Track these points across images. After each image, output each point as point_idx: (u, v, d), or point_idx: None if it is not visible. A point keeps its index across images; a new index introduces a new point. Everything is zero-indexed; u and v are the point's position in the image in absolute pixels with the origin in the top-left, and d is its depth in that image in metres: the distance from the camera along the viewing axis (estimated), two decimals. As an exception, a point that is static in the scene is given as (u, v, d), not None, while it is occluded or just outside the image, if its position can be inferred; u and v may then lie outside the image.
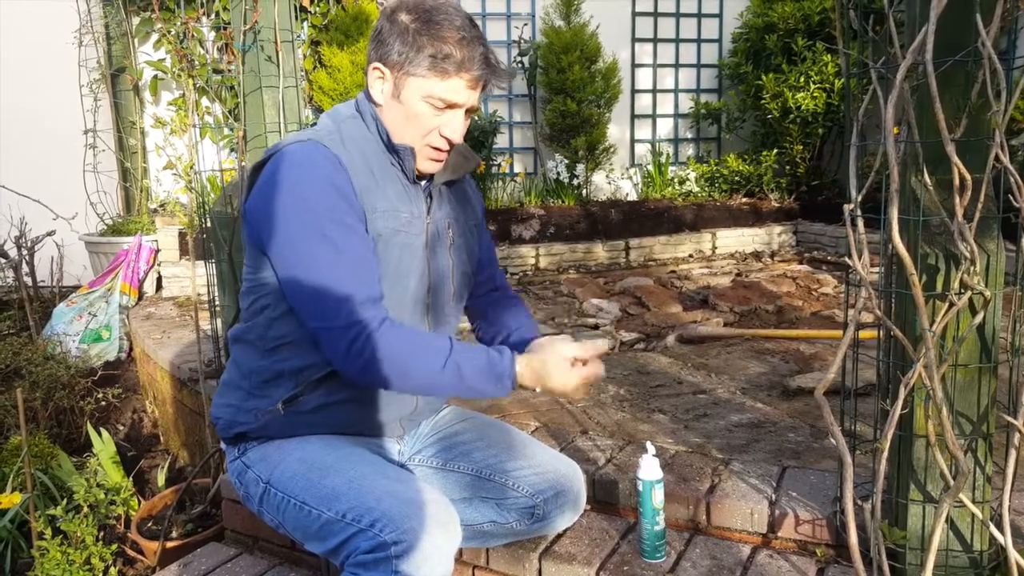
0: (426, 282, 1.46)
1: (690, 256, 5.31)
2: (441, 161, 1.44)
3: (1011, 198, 1.26)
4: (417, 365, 1.31)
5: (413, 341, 1.32)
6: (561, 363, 1.38)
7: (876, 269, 1.45)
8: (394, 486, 1.28)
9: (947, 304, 1.28)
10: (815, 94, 5.19)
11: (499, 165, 5.62)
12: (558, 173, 5.64)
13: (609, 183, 6.05)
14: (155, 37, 5.21)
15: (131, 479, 2.64)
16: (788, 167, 5.74)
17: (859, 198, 1.34)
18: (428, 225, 1.46)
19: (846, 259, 1.33)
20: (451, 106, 1.38)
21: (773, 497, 1.68)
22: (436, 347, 1.32)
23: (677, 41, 6.30)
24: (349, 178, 1.33)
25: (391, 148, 1.41)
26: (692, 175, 5.98)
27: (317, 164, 1.31)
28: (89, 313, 4.09)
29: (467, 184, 1.64)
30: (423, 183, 1.48)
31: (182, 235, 4.47)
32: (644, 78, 6.30)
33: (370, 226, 1.35)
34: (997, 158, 1.23)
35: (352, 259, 1.30)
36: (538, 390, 1.39)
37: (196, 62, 4.70)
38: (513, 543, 1.64)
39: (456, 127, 1.39)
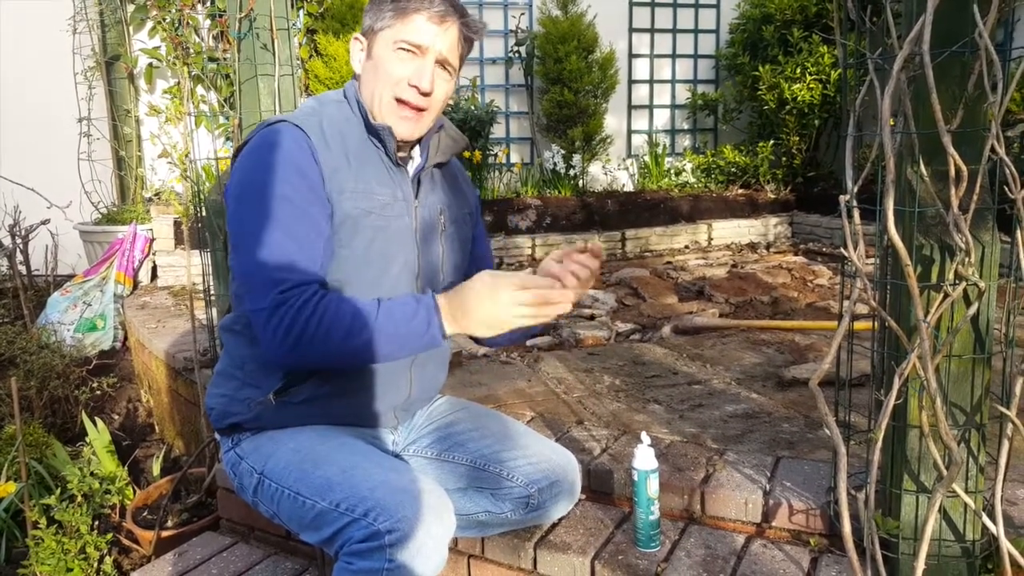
0: (413, 269, 1.45)
1: (686, 247, 5.31)
2: (414, 120, 1.40)
3: (1006, 190, 1.26)
4: (349, 325, 1.25)
5: (338, 305, 1.27)
6: (488, 285, 1.25)
7: (871, 260, 1.45)
8: (388, 475, 1.28)
9: (942, 295, 1.28)
10: (811, 85, 5.19)
11: (495, 155, 5.61)
12: (555, 163, 5.64)
13: (606, 174, 6.04)
14: (150, 24, 5.17)
15: (126, 468, 2.64)
16: (784, 158, 5.74)
17: (855, 189, 1.34)
18: (417, 209, 1.45)
19: (842, 250, 1.34)
20: (418, 49, 1.36)
21: (767, 487, 1.68)
22: (363, 305, 1.28)
23: (674, 31, 6.28)
24: (316, 160, 1.32)
25: (371, 130, 1.40)
26: (688, 166, 5.98)
27: (281, 147, 1.31)
28: (84, 302, 4.08)
29: (458, 172, 1.63)
30: (411, 168, 1.47)
31: (177, 224, 4.45)
32: (641, 68, 6.29)
33: (337, 208, 1.34)
34: (993, 149, 1.23)
35: (296, 244, 1.28)
36: (476, 328, 1.28)
37: (191, 50, 4.67)
38: (508, 532, 1.64)
39: (424, 74, 1.36)
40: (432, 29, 1.36)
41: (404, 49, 1.36)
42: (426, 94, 1.38)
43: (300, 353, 1.27)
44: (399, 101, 1.38)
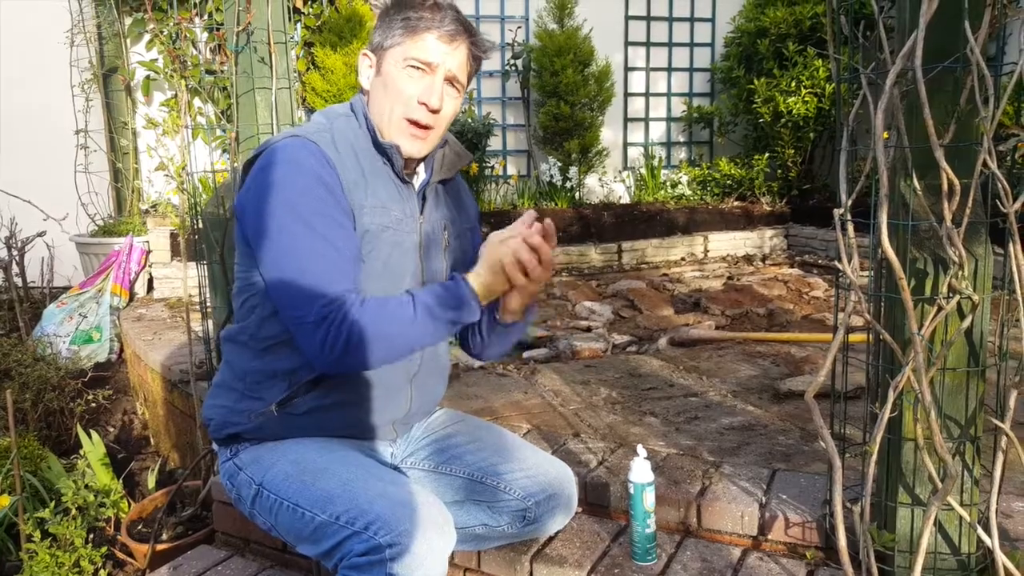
0: (419, 283, 1.46)
1: (682, 259, 5.33)
2: (422, 138, 1.41)
3: (999, 203, 1.27)
4: (392, 327, 1.28)
5: (379, 309, 1.29)
6: (496, 243, 1.33)
7: (866, 273, 1.46)
8: (388, 488, 1.28)
9: (936, 308, 1.29)
10: (806, 99, 5.22)
11: (492, 167, 5.63)
12: (551, 176, 5.65)
13: (602, 186, 6.07)
14: (147, 37, 5.19)
15: (121, 481, 2.63)
16: (779, 171, 5.77)
17: (849, 203, 1.35)
18: (421, 225, 1.46)
19: (836, 263, 1.34)
20: (428, 66, 1.37)
21: (763, 500, 1.68)
22: (399, 301, 1.31)
23: (670, 45, 6.32)
24: (337, 174, 1.33)
25: (379, 147, 1.41)
26: (684, 178, 6.00)
27: (304, 160, 1.31)
28: (80, 314, 4.07)
29: (461, 187, 1.65)
30: (417, 183, 1.48)
31: (173, 236, 4.45)
32: (637, 82, 6.32)
33: (357, 222, 1.35)
34: (985, 163, 1.24)
35: (332, 251, 1.29)
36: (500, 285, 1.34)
37: (189, 63, 4.69)
38: (505, 546, 1.64)
39: (434, 92, 1.38)
40: (442, 48, 1.38)
41: (414, 67, 1.37)
42: (435, 111, 1.39)
43: (349, 361, 1.29)
44: (409, 121, 1.39)
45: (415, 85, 1.38)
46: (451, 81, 1.41)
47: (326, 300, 1.27)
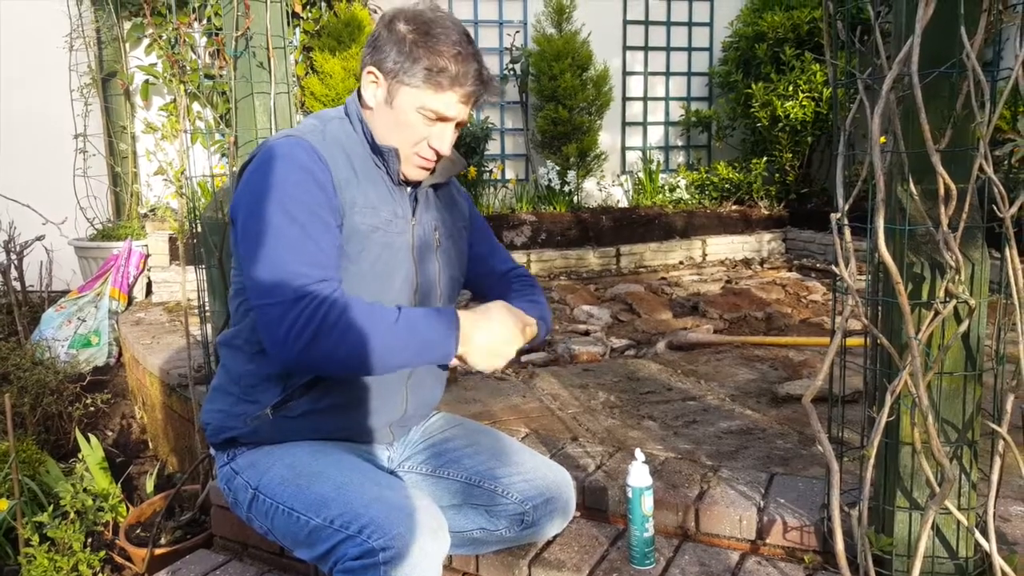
0: (412, 284, 1.47)
1: (680, 263, 5.33)
2: (429, 170, 1.46)
3: (995, 208, 1.27)
4: (370, 326, 1.25)
5: (361, 305, 1.27)
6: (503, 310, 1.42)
7: (863, 277, 1.46)
8: (383, 492, 1.28)
9: (932, 312, 1.29)
10: (804, 103, 5.23)
11: (491, 171, 5.63)
12: (549, 180, 5.66)
13: (600, 190, 6.07)
14: (147, 42, 5.20)
15: (119, 485, 2.63)
16: (777, 175, 5.77)
17: (846, 207, 1.36)
18: (414, 227, 1.47)
19: (834, 267, 1.35)
20: (442, 119, 1.39)
21: (761, 504, 1.68)
22: (383, 307, 1.30)
23: (668, 49, 6.33)
24: (329, 171, 1.34)
25: (375, 150, 1.42)
26: (682, 182, 6.01)
27: (297, 157, 1.32)
28: (78, 318, 4.07)
29: (454, 186, 1.65)
30: (409, 187, 1.49)
31: (172, 240, 4.45)
32: (635, 86, 6.33)
33: (347, 221, 1.36)
34: (981, 168, 1.24)
35: (315, 245, 1.29)
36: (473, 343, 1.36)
37: (187, 67, 4.70)
38: (503, 550, 1.64)
39: (445, 140, 1.41)
40: (460, 107, 1.40)
41: (429, 117, 1.39)
42: (443, 156, 1.44)
43: (315, 351, 1.24)
44: (419, 155, 1.42)
45: (427, 128, 1.40)
46: (460, 122, 1.44)
47: (305, 281, 1.26)
